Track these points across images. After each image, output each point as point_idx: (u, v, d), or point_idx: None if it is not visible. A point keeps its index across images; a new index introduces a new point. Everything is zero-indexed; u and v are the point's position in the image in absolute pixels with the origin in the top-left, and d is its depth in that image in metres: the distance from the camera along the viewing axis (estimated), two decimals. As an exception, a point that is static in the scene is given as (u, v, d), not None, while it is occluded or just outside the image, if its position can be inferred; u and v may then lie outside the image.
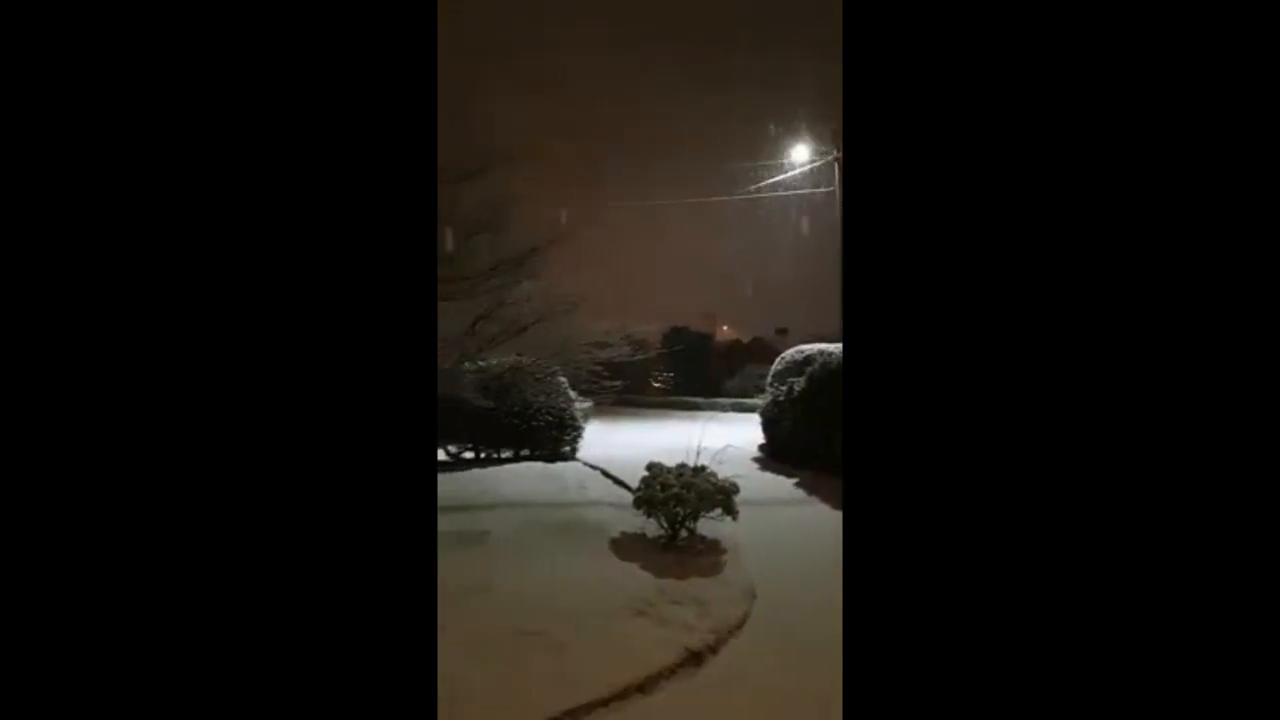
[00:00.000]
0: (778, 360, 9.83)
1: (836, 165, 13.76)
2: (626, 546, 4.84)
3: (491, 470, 8.33)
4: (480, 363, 6.10)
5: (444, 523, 5.54)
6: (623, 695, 2.72)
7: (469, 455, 9.06)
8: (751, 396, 21.51)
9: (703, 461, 5.14)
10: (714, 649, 3.20)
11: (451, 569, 4.26)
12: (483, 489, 7.07)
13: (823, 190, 14.56)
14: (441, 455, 8.80)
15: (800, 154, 14.68)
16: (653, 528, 5.06)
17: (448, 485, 7.16)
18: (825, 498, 6.70)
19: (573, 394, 9.31)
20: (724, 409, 20.36)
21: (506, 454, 9.19)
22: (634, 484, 5.37)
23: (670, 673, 2.94)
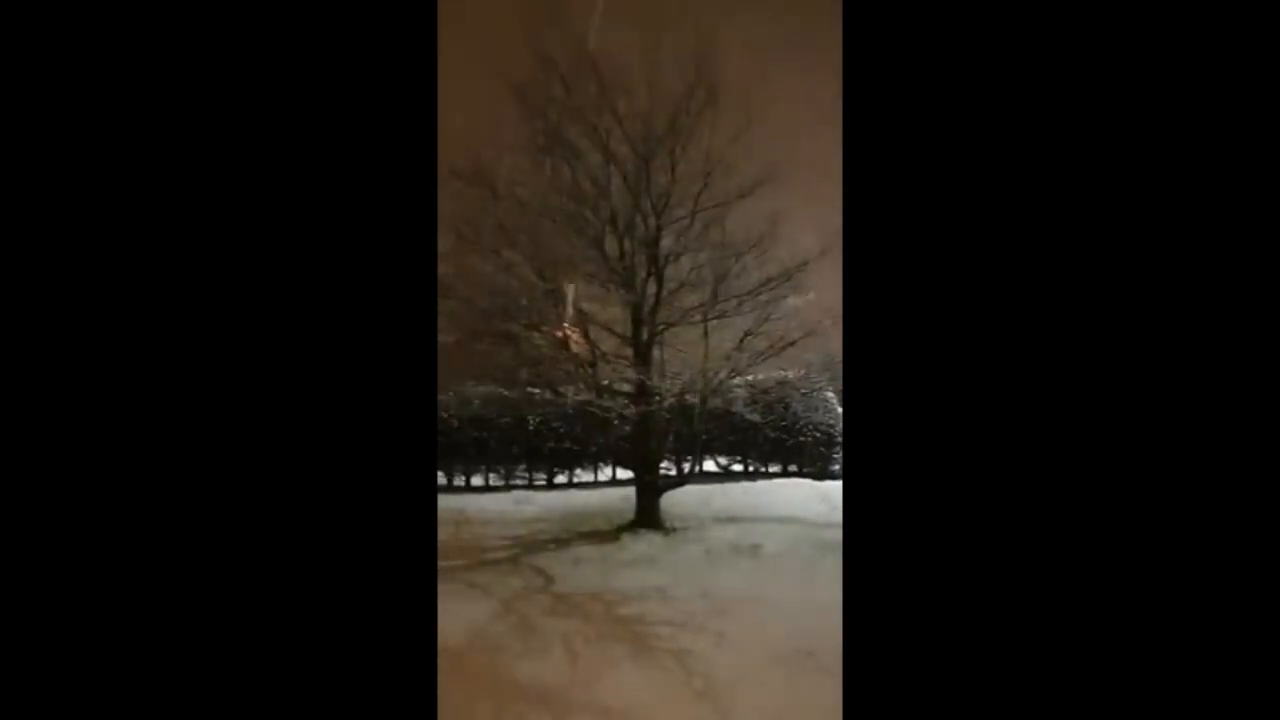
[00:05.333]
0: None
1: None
2: (906, 576, 4.51)
3: (760, 484, 8.44)
4: (749, 377, 6.23)
5: (716, 531, 5.79)
6: (907, 736, 2.55)
7: (737, 468, 9.31)
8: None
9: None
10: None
11: (726, 578, 4.44)
12: (750, 502, 7.20)
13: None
14: (710, 466, 9.17)
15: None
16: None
17: (719, 496, 7.45)
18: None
19: (842, 410, 9.00)
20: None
21: (774, 469, 9.24)
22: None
23: None
